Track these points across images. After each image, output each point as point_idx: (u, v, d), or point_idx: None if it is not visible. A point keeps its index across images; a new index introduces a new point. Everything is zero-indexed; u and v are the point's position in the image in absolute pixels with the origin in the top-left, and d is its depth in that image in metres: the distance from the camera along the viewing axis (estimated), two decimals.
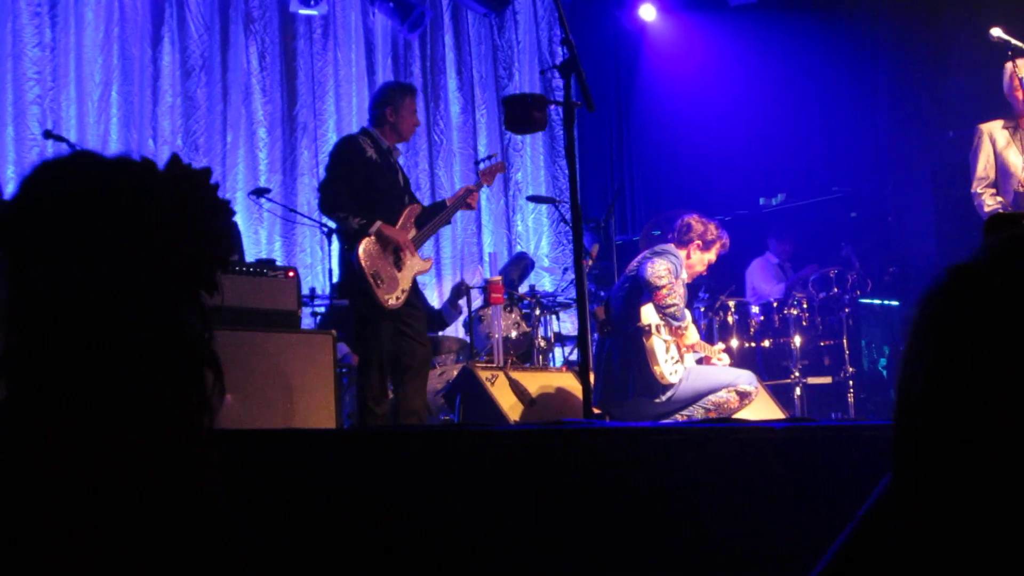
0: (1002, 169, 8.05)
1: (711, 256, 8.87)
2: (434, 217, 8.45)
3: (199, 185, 1.94)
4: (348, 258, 7.95)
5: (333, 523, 3.94)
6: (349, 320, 8.44)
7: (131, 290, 1.82)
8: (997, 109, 8.33)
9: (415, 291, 8.23)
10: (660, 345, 8.34)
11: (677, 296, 8.42)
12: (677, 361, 8.44)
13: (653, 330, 8.35)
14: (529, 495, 4.33)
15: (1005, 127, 8.11)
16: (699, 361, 8.84)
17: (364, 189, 8.00)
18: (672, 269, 8.43)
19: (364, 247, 7.84)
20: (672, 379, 8.32)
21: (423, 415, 8.14)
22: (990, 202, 8.02)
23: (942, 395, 1.25)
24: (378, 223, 7.91)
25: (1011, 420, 1.20)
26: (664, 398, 8.32)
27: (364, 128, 8.39)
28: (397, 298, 7.91)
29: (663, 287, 8.34)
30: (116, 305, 1.81)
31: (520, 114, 7.06)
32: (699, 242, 8.74)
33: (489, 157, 9.06)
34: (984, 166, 8.09)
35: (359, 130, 8.51)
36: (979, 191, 8.12)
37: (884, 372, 12.12)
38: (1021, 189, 7.78)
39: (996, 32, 7.64)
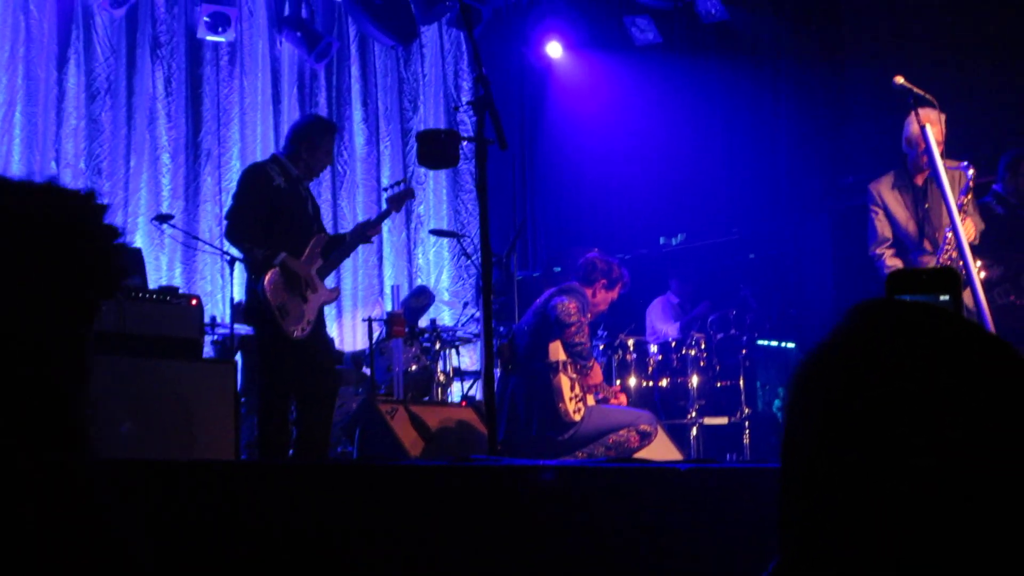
0: (901, 233, 8.01)
1: (614, 295, 8.95)
2: (336, 248, 8.36)
3: (79, 208, 1.88)
4: (254, 288, 7.85)
5: (231, 555, 3.91)
6: (252, 349, 8.36)
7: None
8: (896, 155, 8.37)
9: (320, 321, 8.15)
10: (567, 382, 8.39)
11: (585, 335, 8.49)
12: (581, 399, 8.49)
13: (560, 367, 8.39)
14: (436, 531, 4.31)
15: (896, 186, 8.07)
16: (598, 400, 8.88)
17: (271, 218, 7.88)
18: (580, 307, 8.49)
19: (269, 279, 7.73)
20: (576, 417, 8.37)
21: (325, 448, 8.07)
22: (890, 263, 7.96)
23: (817, 469, 1.29)
24: (282, 255, 7.79)
25: (874, 488, 1.25)
26: (567, 435, 8.37)
27: (274, 155, 8.26)
28: (303, 329, 7.82)
29: (572, 325, 8.40)
30: None
31: (434, 150, 7.10)
32: (604, 280, 8.81)
33: (397, 184, 8.98)
34: (881, 228, 8.08)
35: (269, 156, 8.41)
36: (878, 252, 8.06)
37: (778, 414, 12.26)
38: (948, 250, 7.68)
39: (899, 80, 7.72)
